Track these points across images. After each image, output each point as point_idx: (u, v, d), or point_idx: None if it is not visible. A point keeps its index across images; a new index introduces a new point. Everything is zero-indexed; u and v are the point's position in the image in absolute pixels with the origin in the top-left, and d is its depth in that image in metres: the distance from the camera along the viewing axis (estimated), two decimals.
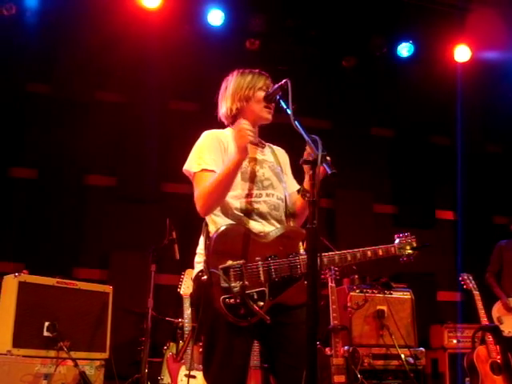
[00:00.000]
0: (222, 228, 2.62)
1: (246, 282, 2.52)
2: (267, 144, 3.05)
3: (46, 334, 4.54)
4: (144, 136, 6.93)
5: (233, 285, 2.49)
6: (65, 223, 6.51)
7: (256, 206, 2.74)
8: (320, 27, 7.24)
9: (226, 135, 2.90)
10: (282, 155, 3.08)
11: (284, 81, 2.72)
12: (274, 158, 2.96)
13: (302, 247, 2.74)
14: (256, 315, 2.50)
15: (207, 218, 2.76)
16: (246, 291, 2.50)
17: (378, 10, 7.08)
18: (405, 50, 7.50)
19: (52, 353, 4.50)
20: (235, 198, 2.74)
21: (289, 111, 2.61)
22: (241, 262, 2.54)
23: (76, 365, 4.48)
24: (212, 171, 2.72)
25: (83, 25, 6.67)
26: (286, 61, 6.91)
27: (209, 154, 2.78)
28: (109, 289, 5.04)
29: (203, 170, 2.74)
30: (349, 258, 2.79)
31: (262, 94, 2.89)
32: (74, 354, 4.52)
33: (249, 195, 2.75)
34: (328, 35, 7.32)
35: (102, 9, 6.51)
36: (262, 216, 2.75)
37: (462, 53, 7.53)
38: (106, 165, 6.95)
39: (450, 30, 7.31)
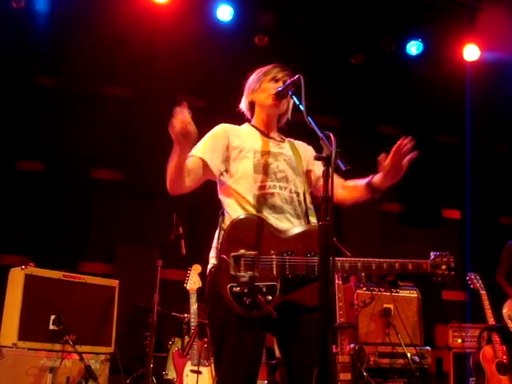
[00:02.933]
0: (241, 217, 2.61)
1: (256, 274, 2.48)
2: (288, 139, 3.02)
3: (51, 327, 4.55)
4: (151, 130, 6.89)
5: (242, 274, 2.45)
6: (71, 217, 6.51)
7: (269, 198, 2.71)
8: (329, 24, 7.21)
9: (237, 129, 2.92)
10: (305, 149, 3.03)
11: (297, 76, 2.71)
12: (292, 153, 2.92)
13: None
14: (262, 308, 2.46)
15: (224, 212, 2.75)
16: (254, 282, 2.46)
17: (388, 8, 7.04)
18: (414, 48, 7.46)
19: (57, 346, 4.51)
20: (248, 189, 2.72)
21: (302, 107, 2.59)
22: (254, 252, 2.51)
23: (81, 358, 4.49)
24: (197, 157, 2.77)
25: (92, 19, 6.66)
26: (294, 57, 6.84)
27: (204, 143, 2.83)
28: (115, 283, 5.05)
29: (191, 155, 2.76)
30: (373, 267, 2.72)
31: (269, 84, 2.89)
32: (79, 348, 4.54)
33: (262, 187, 2.72)
34: (337, 32, 7.28)
35: (111, 3, 6.51)
36: (275, 209, 2.71)
37: (470, 52, 7.49)
38: (113, 159, 6.95)
39: (459, 28, 7.28)
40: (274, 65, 2.95)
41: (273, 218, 2.68)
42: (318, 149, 2.54)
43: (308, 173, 2.98)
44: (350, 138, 7.53)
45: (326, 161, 2.29)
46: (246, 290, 2.45)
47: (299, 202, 2.80)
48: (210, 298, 2.63)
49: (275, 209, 2.71)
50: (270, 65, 2.97)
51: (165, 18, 6.74)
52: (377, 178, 2.86)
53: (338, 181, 2.83)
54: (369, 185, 2.87)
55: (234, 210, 2.71)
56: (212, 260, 2.69)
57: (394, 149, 2.78)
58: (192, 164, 2.75)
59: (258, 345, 2.60)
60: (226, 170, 2.81)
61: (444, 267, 2.83)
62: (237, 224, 2.58)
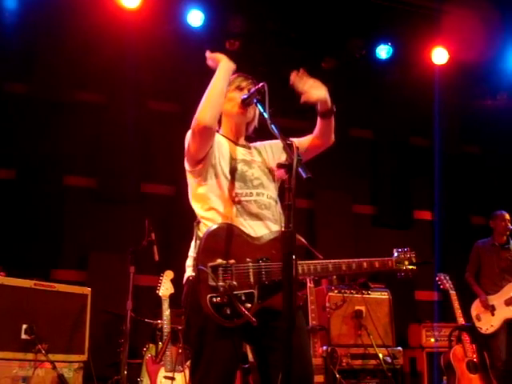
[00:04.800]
0: (214, 226, 2.60)
1: (234, 282, 2.49)
2: (252, 145, 3.03)
3: (23, 336, 4.51)
4: (124, 137, 6.90)
5: (220, 284, 2.46)
6: (43, 224, 6.47)
7: (247, 205, 2.72)
8: (300, 29, 7.27)
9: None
10: (265, 147, 3.03)
11: (261, 84, 2.73)
12: (260, 158, 2.95)
13: None
14: (242, 317, 2.47)
15: (199, 220, 2.73)
16: (233, 291, 2.47)
17: (357, 13, 7.12)
18: (384, 52, 7.54)
19: (30, 355, 4.48)
20: (225, 197, 2.72)
21: (265, 115, 2.62)
22: (231, 261, 2.52)
23: (54, 367, 4.47)
24: None
25: (63, 25, 6.63)
26: (265, 62, 6.94)
27: None
28: (87, 290, 5.03)
29: None
30: (343, 268, 2.77)
31: (234, 93, 2.89)
32: (52, 357, 4.51)
33: (239, 194, 2.73)
34: (308, 37, 7.34)
35: (81, 8, 6.47)
36: (253, 215, 2.72)
37: (439, 55, 7.60)
38: (85, 165, 6.92)
39: (427, 32, 7.38)
40: (237, 74, 2.96)
41: (249, 226, 2.69)
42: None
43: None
44: None
45: (288, 168, 2.32)
46: (225, 300, 2.46)
47: (275, 207, 2.83)
48: (188, 308, 2.61)
49: (252, 216, 2.72)
50: (233, 75, 2.99)
51: (136, 24, 6.72)
52: (317, 106, 2.95)
53: (309, 138, 3.02)
54: (319, 116, 2.98)
55: (209, 219, 2.70)
56: (189, 269, 2.68)
57: (296, 82, 2.89)
58: None
59: (235, 353, 2.60)
60: (203, 173, 2.77)
61: (407, 263, 2.94)
62: (211, 234, 2.57)
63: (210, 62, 2.86)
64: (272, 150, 3.02)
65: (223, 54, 2.84)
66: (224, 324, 2.48)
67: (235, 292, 2.49)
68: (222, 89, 2.74)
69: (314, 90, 2.86)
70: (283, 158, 2.98)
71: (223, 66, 2.78)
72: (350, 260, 2.78)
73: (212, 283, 2.47)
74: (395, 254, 2.96)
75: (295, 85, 2.87)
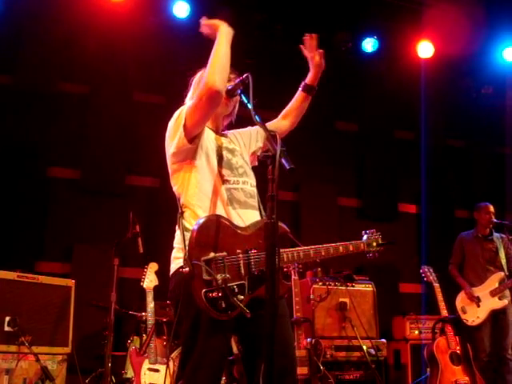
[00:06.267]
0: (203, 219, 2.58)
1: (228, 275, 2.50)
2: (228, 133, 3.02)
3: (6, 328, 4.48)
4: (108, 128, 6.86)
5: (218, 277, 2.46)
6: (27, 216, 6.43)
7: (234, 193, 2.73)
8: (286, 21, 7.26)
9: None
10: (235, 136, 3.04)
11: (245, 75, 2.73)
12: (238, 146, 2.96)
13: None
14: (236, 309, 2.49)
15: (184, 210, 2.71)
16: (227, 284, 2.48)
17: (344, 6, 7.14)
18: (369, 45, 7.57)
19: (13, 348, 4.46)
20: (213, 185, 2.71)
21: (249, 106, 2.61)
22: (223, 254, 2.52)
23: (38, 360, 4.45)
24: None
25: (47, 15, 6.59)
26: (252, 54, 6.92)
27: None
28: (71, 282, 5.01)
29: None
30: (323, 253, 2.88)
31: None
32: (35, 349, 4.49)
33: (226, 182, 2.73)
34: (294, 29, 7.32)
35: None
36: (241, 203, 2.73)
37: (425, 49, 7.64)
38: (69, 157, 6.87)
39: (413, 26, 7.42)
40: None
41: (238, 214, 2.70)
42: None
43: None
44: (306, 134, 7.59)
45: (272, 159, 2.32)
46: (220, 294, 2.46)
47: (257, 195, 2.86)
48: (180, 300, 2.59)
49: (240, 203, 2.74)
50: None
51: (121, 15, 6.70)
52: (309, 78, 3.25)
53: (275, 122, 3.22)
54: (304, 88, 3.24)
55: (199, 208, 2.68)
56: (177, 261, 2.66)
57: (306, 45, 3.23)
58: None
59: (225, 345, 2.63)
60: (193, 153, 2.73)
61: (375, 244, 3.12)
62: (202, 227, 2.55)
63: (205, 29, 2.83)
64: (243, 139, 3.05)
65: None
66: (219, 318, 2.48)
67: (229, 284, 2.50)
68: (227, 52, 2.73)
69: (318, 57, 3.18)
70: (253, 146, 3.08)
71: (224, 30, 2.76)
72: (328, 245, 2.92)
73: (207, 277, 2.46)
74: (364, 237, 3.13)
75: (306, 45, 3.20)
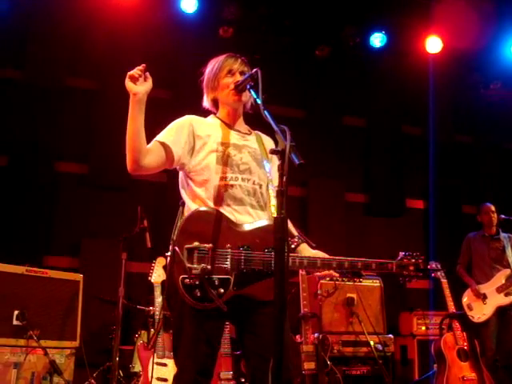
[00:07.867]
0: (199, 209, 2.64)
1: (209, 266, 2.50)
2: (255, 132, 3.02)
3: (15, 322, 4.49)
4: (116, 123, 6.80)
5: (194, 266, 2.48)
6: (35, 210, 6.45)
7: (229, 189, 2.73)
8: (293, 16, 7.24)
9: (202, 121, 2.90)
10: (270, 144, 2.97)
11: (254, 70, 2.71)
12: (258, 146, 2.93)
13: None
14: (213, 301, 2.49)
15: (184, 203, 2.76)
16: (206, 275, 2.48)
17: (352, 0, 7.11)
18: (377, 40, 7.54)
19: (22, 341, 4.46)
20: (209, 181, 2.73)
21: (258, 101, 2.61)
22: (209, 245, 2.53)
23: (46, 353, 4.46)
24: (159, 141, 2.74)
25: (56, 11, 6.58)
26: (259, 49, 6.90)
27: (168, 130, 2.80)
28: (79, 277, 5.01)
29: (153, 140, 2.74)
30: (346, 266, 2.68)
31: (226, 79, 2.88)
32: (44, 343, 4.50)
33: (223, 178, 2.73)
34: (301, 24, 7.32)
35: None
36: (236, 201, 2.73)
37: (433, 44, 7.60)
38: (77, 152, 6.88)
39: (421, 21, 7.39)
40: (225, 56, 2.94)
41: (232, 210, 2.70)
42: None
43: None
44: (315, 129, 7.60)
45: (281, 154, 2.31)
46: (197, 283, 2.48)
47: (261, 193, 2.83)
48: (167, 289, 2.67)
49: (235, 201, 2.73)
50: (218, 58, 2.95)
51: (129, 10, 6.69)
52: None
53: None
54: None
55: (193, 202, 2.73)
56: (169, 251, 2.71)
57: None
58: (152, 146, 2.71)
59: (214, 334, 2.64)
60: (189, 161, 2.79)
61: (412, 268, 2.76)
62: (193, 216, 2.60)
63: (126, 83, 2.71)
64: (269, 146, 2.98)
65: (135, 82, 2.73)
66: (195, 306, 2.50)
67: (210, 276, 2.50)
68: (135, 129, 2.63)
69: None
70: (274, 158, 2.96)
71: (131, 103, 2.66)
72: (343, 258, 2.69)
73: (187, 265, 2.49)
74: (399, 257, 2.77)
75: None
